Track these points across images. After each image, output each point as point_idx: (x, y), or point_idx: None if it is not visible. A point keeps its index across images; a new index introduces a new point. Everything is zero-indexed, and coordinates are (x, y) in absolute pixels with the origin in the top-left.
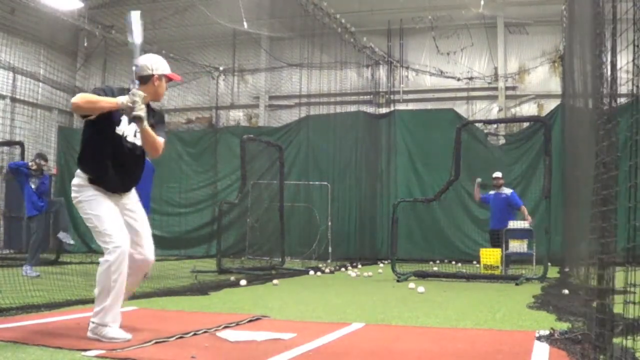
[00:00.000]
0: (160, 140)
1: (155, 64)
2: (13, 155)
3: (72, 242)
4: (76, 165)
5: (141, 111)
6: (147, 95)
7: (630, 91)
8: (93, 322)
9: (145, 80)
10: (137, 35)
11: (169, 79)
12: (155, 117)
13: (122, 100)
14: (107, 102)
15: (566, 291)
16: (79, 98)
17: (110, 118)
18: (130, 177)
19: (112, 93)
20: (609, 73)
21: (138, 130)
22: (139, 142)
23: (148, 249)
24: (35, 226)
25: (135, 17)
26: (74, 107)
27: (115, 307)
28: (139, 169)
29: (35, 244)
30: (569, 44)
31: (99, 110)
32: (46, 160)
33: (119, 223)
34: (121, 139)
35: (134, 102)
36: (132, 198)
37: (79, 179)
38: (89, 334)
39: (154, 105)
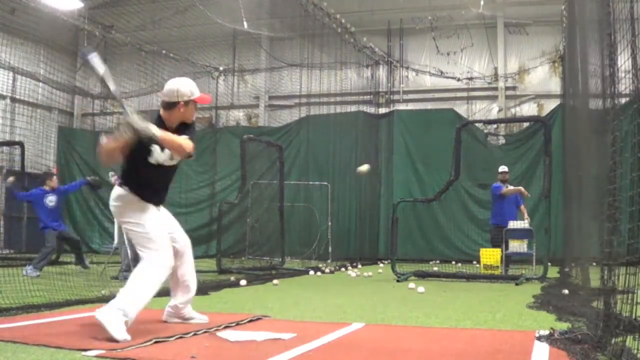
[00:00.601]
0: (182, 139)
1: (181, 89)
2: (13, 155)
3: (88, 265)
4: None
5: (147, 129)
6: (172, 121)
7: None
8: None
9: (171, 106)
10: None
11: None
12: (182, 127)
13: (123, 135)
14: (114, 140)
15: (566, 291)
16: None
17: (142, 151)
18: (165, 192)
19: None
20: (622, 74)
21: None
22: (173, 163)
23: (182, 237)
24: (48, 237)
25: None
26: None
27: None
28: (171, 183)
29: (45, 251)
30: (569, 44)
31: (117, 150)
32: (52, 175)
33: (166, 233)
34: (156, 167)
35: (132, 126)
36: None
37: (124, 191)
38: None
39: None
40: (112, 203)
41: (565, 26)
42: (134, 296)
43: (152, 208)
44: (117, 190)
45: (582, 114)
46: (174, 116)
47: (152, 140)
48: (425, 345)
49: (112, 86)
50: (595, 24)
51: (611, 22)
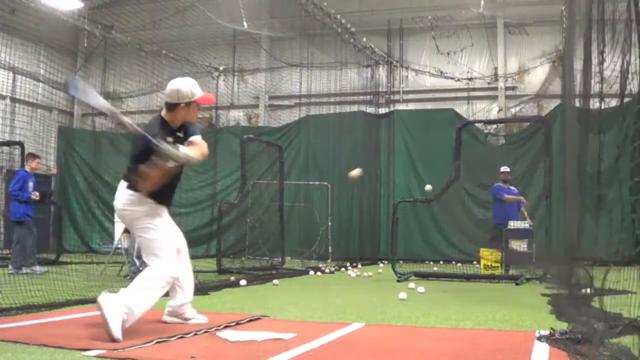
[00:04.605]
0: (197, 139)
1: (181, 90)
2: (13, 155)
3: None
4: (124, 181)
5: (185, 156)
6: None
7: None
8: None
9: (172, 107)
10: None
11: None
12: (185, 126)
13: (164, 166)
14: (156, 170)
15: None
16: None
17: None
18: (174, 192)
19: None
20: (631, 73)
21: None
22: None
23: (181, 239)
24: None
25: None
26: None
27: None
28: (178, 181)
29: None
30: (569, 44)
31: (160, 177)
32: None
33: (174, 243)
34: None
35: (170, 157)
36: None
37: (135, 196)
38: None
39: None
40: (123, 208)
41: (565, 26)
42: (138, 299)
43: (164, 213)
44: (127, 194)
45: (577, 113)
46: (176, 117)
47: (190, 162)
48: (425, 345)
49: (124, 120)
50: (583, 24)
51: (593, 23)
